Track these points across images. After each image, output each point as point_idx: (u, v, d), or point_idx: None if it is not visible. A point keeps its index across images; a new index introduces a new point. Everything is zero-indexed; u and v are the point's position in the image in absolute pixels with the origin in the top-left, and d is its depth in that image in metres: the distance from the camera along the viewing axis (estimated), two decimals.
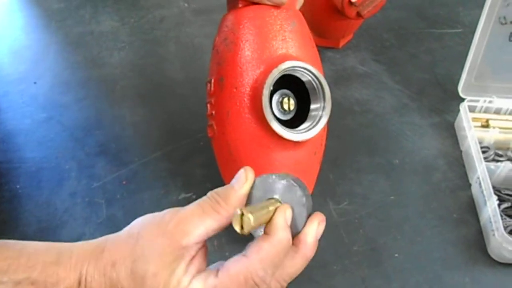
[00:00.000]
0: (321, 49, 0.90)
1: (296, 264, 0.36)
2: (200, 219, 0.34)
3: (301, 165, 0.53)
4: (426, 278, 0.59)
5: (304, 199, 0.37)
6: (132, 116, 0.78)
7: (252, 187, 0.37)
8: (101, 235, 0.62)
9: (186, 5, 1.01)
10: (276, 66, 0.47)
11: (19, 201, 0.67)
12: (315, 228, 0.37)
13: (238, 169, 0.55)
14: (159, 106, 0.80)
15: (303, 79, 0.50)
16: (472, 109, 0.74)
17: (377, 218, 0.65)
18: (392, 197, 0.67)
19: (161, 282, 0.33)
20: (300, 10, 0.87)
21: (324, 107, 0.51)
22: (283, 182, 0.37)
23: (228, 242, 0.61)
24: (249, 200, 0.37)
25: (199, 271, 0.35)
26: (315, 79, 0.49)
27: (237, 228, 0.32)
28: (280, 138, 0.48)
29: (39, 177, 0.70)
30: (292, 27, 0.51)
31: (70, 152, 0.73)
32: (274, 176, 0.37)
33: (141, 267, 0.33)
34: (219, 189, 0.36)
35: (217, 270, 0.35)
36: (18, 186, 0.69)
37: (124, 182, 0.69)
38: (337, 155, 0.72)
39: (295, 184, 0.37)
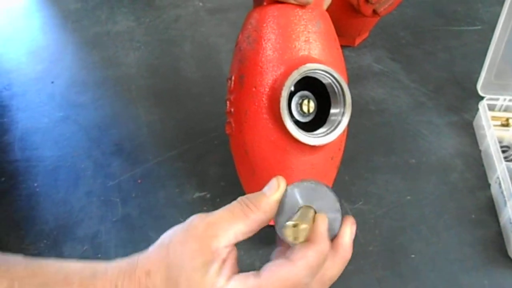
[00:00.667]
0: None
1: (336, 267, 0.37)
2: (229, 223, 0.34)
3: (317, 170, 0.53)
4: (443, 280, 0.58)
5: (338, 204, 0.37)
6: (147, 115, 0.79)
7: (284, 195, 0.37)
8: (117, 233, 0.64)
9: (201, 4, 1.02)
10: (297, 68, 0.47)
11: (37, 199, 0.68)
12: (349, 231, 0.38)
13: (253, 169, 0.55)
14: (174, 105, 0.80)
15: (324, 82, 0.49)
16: (491, 108, 0.72)
17: (393, 218, 0.64)
18: (408, 197, 0.67)
19: (194, 285, 0.33)
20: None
21: (344, 113, 0.49)
22: (316, 188, 0.37)
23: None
24: (280, 207, 0.37)
25: (233, 273, 0.34)
26: (336, 83, 0.48)
27: (290, 239, 0.34)
28: (297, 141, 0.48)
29: (55, 176, 0.71)
30: (317, 28, 0.50)
31: (86, 151, 0.74)
32: (306, 183, 0.37)
33: (175, 272, 0.34)
34: (249, 195, 0.36)
35: (255, 273, 0.34)
36: (35, 184, 0.70)
37: (139, 181, 0.69)
38: (352, 155, 0.71)
39: (328, 191, 0.37)
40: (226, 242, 0.34)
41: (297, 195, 0.37)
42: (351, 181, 0.68)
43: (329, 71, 0.47)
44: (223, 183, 0.68)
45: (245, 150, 0.55)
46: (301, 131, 0.48)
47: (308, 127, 0.50)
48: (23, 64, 0.90)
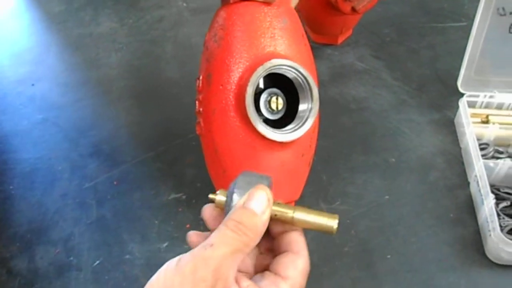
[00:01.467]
0: (320, 46, 0.89)
1: None
2: (233, 259, 0.31)
3: (287, 167, 0.52)
4: (419, 280, 0.57)
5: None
6: (127, 116, 0.78)
7: (237, 187, 0.35)
8: (90, 236, 0.63)
9: (184, 4, 1.01)
10: (262, 64, 0.46)
11: (12, 202, 0.68)
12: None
13: (223, 168, 0.54)
14: (154, 106, 0.80)
15: (291, 77, 0.49)
16: (472, 105, 0.71)
17: (370, 219, 0.63)
18: (386, 197, 0.65)
19: None
20: (296, 6, 0.86)
21: (311, 108, 0.49)
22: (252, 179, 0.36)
23: None
24: (229, 199, 0.35)
25: None
26: (302, 78, 0.48)
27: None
28: (265, 138, 0.47)
29: (32, 178, 0.70)
30: (283, 24, 0.50)
31: (64, 153, 0.73)
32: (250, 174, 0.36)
33: None
34: (241, 217, 0.32)
35: (276, 277, 0.33)
36: (11, 187, 0.69)
37: (115, 183, 0.69)
38: (331, 154, 0.71)
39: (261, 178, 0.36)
40: (234, 276, 0.32)
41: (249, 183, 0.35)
42: (329, 181, 0.67)
43: (294, 66, 0.47)
44: (199, 184, 0.68)
45: (215, 149, 0.54)
46: (268, 127, 0.47)
47: (278, 124, 0.50)
48: (6, 67, 0.90)
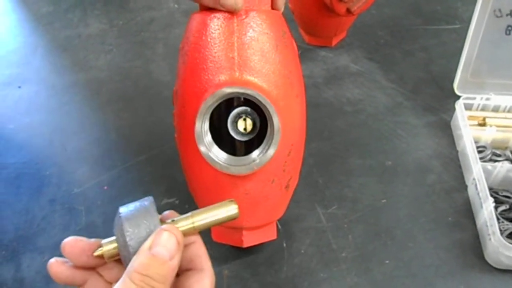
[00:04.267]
0: (313, 48, 0.88)
1: None
2: None
3: (252, 195, 0.48)
4: (418, 285, 0.56)
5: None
6: (116, 120, 0.76)
7: (126, 230, 0.32)
8: None
9: (176, 6, 0.99)
10: (212, 93, 0.41)
11: None
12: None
13: (192, 187, 0.52)
14: (145, 109, 0.78)
15: (256, 102, 0.43)
16: (468, 107, 0.70)
17: (367, 223, 0.62)
18: (383, 201, 0.64)
19: None
20: (290, 8, 0.85)
21: (272, 138, 0.43)
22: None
23: None
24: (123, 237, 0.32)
25: None
26: (263, 105, 0.42)
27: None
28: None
29: (18, 183, 0.68)
30: (249, 37, 0.43)
31: (51, 158, 0.71)
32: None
33: None
34: (148, 269, 0.29)
35: None
36: None
37: (105, 188, 0.67)
38: (326, 158, 0.69)
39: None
40: None
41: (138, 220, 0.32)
42: (325, 185, 0.66)
43: (249, 93, 0.41)
44: None
45: (184, 168, 0.52)
46: (225, 158, 0.43)
47: (250, 145, 0.46)
48: None
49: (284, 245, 0.60)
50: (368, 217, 0.63)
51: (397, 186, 0.66)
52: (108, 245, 0.33)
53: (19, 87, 0.83)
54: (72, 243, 0.34)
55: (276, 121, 0.42)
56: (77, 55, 0.89)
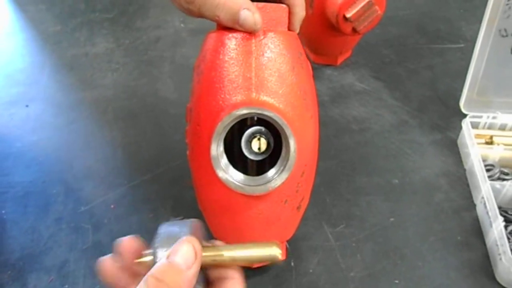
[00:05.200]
0: (319, 66, 0.89)
1: None
2: None
3: (265, 215, 0.47)
4: None
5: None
6: (123, 137, 0.77)
7: (158, 241, 0.33)
8: (86, 262, 0.61)
9: (182, 25, 1.00)
10: (229, 113, 0.41)
11: (4, 227, 0.65)
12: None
13: (203, 206, 0.52)
14: (151, 127, 0.78)
15: (272, 123, 0.43)
16: (475, 126, 0.70)
17: (376, 242, 0.61)
18: (391, 219, 0.64)
19: None
20: None
21: (287, 159, 0.43)
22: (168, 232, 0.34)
23: None
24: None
25: None
26: (279, 127, 0.42)
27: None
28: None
29: (25, 202, 0.68)
30: (266, 58, 0.43)
31: (58, 176, 0.71)
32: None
33: None
34: (164, 275, 0.29)
35: None
36: (3, 212, 0.67)
37: (112, 206, 0.67)
38: (333, 176, 0.69)
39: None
40: None
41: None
42: (332, 203, 0.66)
43: (268, 114, 0.41)
44: (199, 207, 0.66)
45: (195, 186, 0.52)
46: (240, 178, 0.43)
47: (264, 165, 0.46)
48: None
49: (292, 264, 0.59)
50: (376, 236, 0.62)
51: (405, 204, 0.66)
52: (146, 257, 0.33)
53: (27, 106, 0.83)
54: (130, 241, 0.34)
55: (292, 143, 0.42)
56: (84, 74, 0.89)
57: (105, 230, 0.64)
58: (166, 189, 0.68)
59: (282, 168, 0.43)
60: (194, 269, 0.30)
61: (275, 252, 0.32)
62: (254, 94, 0.43)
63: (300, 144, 0.43)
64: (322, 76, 0.86)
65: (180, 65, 0.91)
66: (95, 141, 0.76)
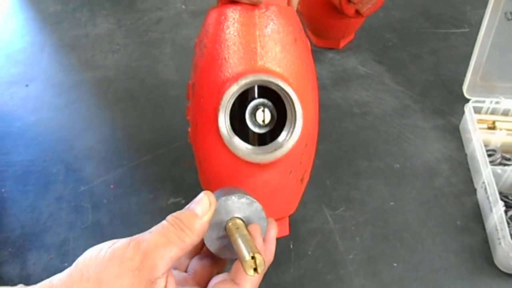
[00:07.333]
0: (321, 50, 0.88)
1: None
2: (166, 249, 0.32)
3: (270, 186, 0.48)
4: None
5: (263, 213, 0.38)
6: (123, 118, 0.76)
7: None
8: (85, 241, 0.61)
9: (183, 6, 0.99)
10: (236, 81, 0.42)
11: (4, 206, 0.65)
12: (274, 235, 0.40)
13: (208, 181, 0.52)
14: (152, 108, 0.78)
15: (276, 90, 0.44)
16: (478, 111, 0.70)
17: (375, 225, 0.61)
18: (391, 203, 0.64)
19: None
20: (298, 9, 0.84)
21: (294, 127, 0.44)
22: (243, 200, 0.37)
23: None
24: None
25: None
26: (285, 93, 0.43)
27: (251, 272, 0.33)
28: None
29: (25, 181, 0.68)
30: (269, 30, 0.44)
31: (58, 156, 0.71)
32: (233, 197, 0.37)
33: None
34: (180, 215, 0.34)
35: None
36: (3, 190, 0.67)
37: (112, 186, 0.67)
38: (334, 160, 0.69)
39: (254, 200, 0.37)
40: (164, 269, 0.32)
41: (223, 208, 0.37)
42: (333, 186, 0.66)
43: (273, 81, 0.42)
44: (199, 188, 0.64)
45: (199, 161, 0.52)
46: (247, 146, 0.44)
47: (267, 137, 0.46)
48: None
49: (291, 246, 0.60)
50: (376, 220, 0.62)
51: (405, 189, 0.65)
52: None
53: (27, 85, 0.83)
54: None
55: (298, 107, 0.43)
56: (84, 55, 0.89)
57: (105, 210, 0.64)
58: (166, 170, 0.68)
59: (289, 135, 0.44)
60: (208, 216, 0.34)
61: (247, 260, 0.33)
62: (259, 62, 0.43)
63: (304, 115, 0.44)
64: (324, 59, 0.86)
65: (181, 46, 0.90)
66: (95, 122, 0.76)
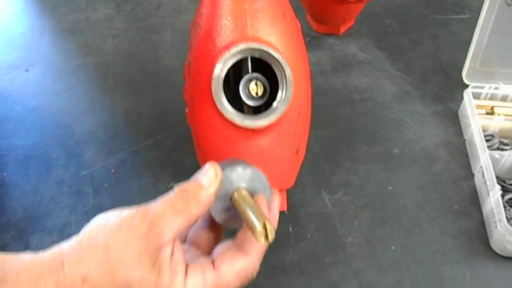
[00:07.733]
0: (321, 35, 0.88)
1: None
2: (172, 218, 0.33)
3: (266, 154, 0.50)
4: (424, 272, 0.56)
5: (267, 183, 0.39)
6: (123, 103, 0.76)
7: None
8: (87, 224, 0.61)
9: None
10: (228, 49, 0.44)
11: (5, 189, 0.65)
12: (277, 205, 0.40)
13: (205, 157, 0.53)
14: (152, 93, 0.78)
15: (269, 62, 0.46)
16: (477, 96, 0.70)
17: (373, 209, 0.62)
18: (389, 188, 0.64)
19: (151, 286, 0.32)
20: None
21: (285, 92, 0.46)
22: (248, 171, 0.38)
23: None
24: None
25: (187, 266, 0.34)
26: (274, 61, 0.45)
27: (262, 240, 0.34)
28: (237, 126, 0.46)
29: (26, 165, 0.68)
30: (260, 5, 0.47)
31: (59, 140, 0.71)
32: (238, 168, 0.37)
33: (123, 276, 0.31)
34: (187, 186, 0.35)
35: (210, 265, 0.35)
36: (5, 174, 0.67)
37: (112, 171, 0.67)
38: (333, 145, 0.69)
39: (259, 171, 0.38)
40: (170, 238, 0.33)
41: (228, 179, 0.37)
42: (331, 171, 0.66)
43: (263, 49, 0.44)
44: None
45: (197, 137, 0.53)
46: (240, 114, 0.46)
47: (260, 111, 0.48)
48: None
49: (290, 229, 0.60)
50: (374, 204, 0.63)
51: (404, 174, 0.66)
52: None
53: (26, 70, 0.83)
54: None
55: (288, 71, 0.45)
56: (84, 39, 0.89)
57: (106, 194, 0.65)
58: (167, 155, 0.69)
59: (281, 100, 0.46)
60: (214, 187, 0.35)
61: (258, 226, 0.34)
62: (250, 32, 0.46)
63: (295, 83, 0.46)
64: (324, 45, 0.86)
65: (181, 32, 0.90)
66: (95, 106, 0.76)
